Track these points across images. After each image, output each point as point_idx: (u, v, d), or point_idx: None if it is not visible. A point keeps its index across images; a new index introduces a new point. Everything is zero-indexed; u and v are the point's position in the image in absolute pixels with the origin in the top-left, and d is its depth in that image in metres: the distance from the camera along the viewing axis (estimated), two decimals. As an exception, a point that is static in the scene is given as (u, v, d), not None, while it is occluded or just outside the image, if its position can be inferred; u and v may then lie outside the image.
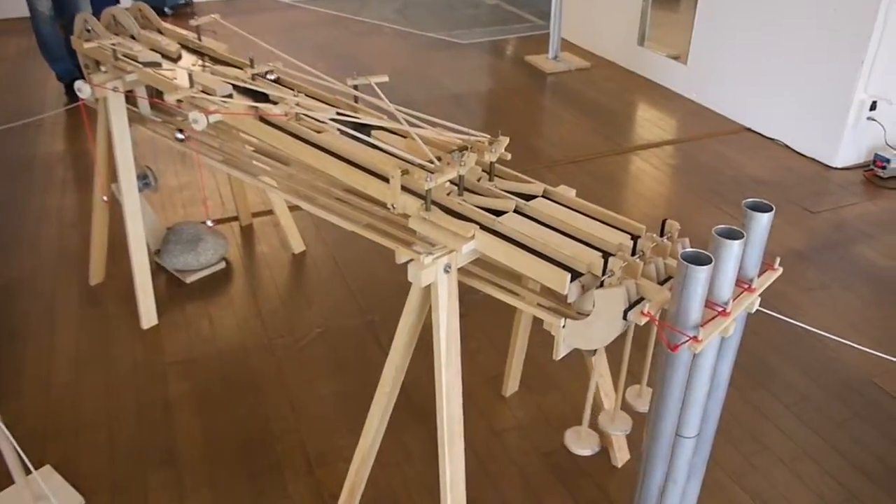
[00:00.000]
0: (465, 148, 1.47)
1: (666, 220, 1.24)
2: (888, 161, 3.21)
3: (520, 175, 1.46)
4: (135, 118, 2.18)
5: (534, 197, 1.40)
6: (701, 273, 1.01)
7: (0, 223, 2.83)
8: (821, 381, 2.08)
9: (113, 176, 2.20)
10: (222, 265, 2.53)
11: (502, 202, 1.36)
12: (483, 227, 1.29)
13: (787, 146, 3.54)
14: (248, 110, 1.68)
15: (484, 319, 2.30)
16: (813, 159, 3.42)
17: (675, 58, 4.28)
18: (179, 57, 2.13)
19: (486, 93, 4.28)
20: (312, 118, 1.62)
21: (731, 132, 3.73)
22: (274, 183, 1.85)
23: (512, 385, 1.99)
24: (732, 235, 1.08)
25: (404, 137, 1.57)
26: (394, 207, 1.38)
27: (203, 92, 1.80)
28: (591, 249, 1.24)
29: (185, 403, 1.97)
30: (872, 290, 2.51)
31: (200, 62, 2.08)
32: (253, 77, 1.91)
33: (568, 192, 1.45)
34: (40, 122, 3.69)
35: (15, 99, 4.02)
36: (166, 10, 5.51)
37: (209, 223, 2.32)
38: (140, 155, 2.51)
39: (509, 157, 1.43)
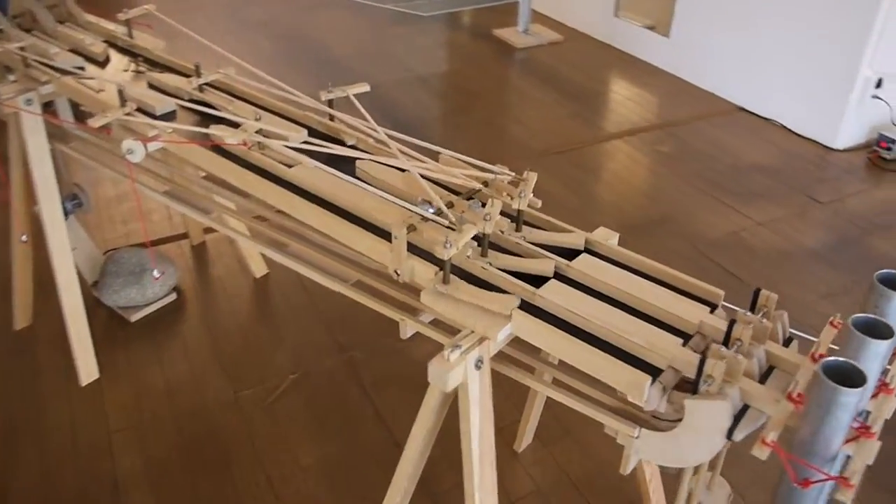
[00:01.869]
0: (484, 186, 1.17)
1: (759, 289, 0.96)
2: (893, 142, 2.99)
3: (554, 221, 1.16)
4: (56, 135, 1.81)
5: (576, 252, 1.10)
6: (853, 397, 0.74)
7: None
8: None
9: (34, 201, 1.83)
10: (172, 297, 2.18)
11: (538, 264, 1.06)
12: (520, 304, 0.99)
13: (784, 127, 3.30)
14: (195, 136, 1.34)
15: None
16: (813, 140, 3.19)
17: (653, 28, 3.99)
18: (107, 59, 1.75)
19: (454, 73, 3.92)
20: (280, 144, 1.29)
21: (722, 112, 3.47)
22: (237, 226, 1.52)
23: (526, 438, 1.72)
24: (876, 330, 0.80)
25: (400, 170, 1.25)
26: (398, 275, 1.07)
27: (139, 110, 1.45)
28: (666, 334, 0.95)
29: (136, 483, 1.64)
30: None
31: (133, 66, 1.72)
32: (200, 88, 1.55)
33: (611, 237, 1.16)
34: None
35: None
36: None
37: (156, 274, 1.93)
38: (64, 162, 2.13)
39: (539, 203, 1.13)
